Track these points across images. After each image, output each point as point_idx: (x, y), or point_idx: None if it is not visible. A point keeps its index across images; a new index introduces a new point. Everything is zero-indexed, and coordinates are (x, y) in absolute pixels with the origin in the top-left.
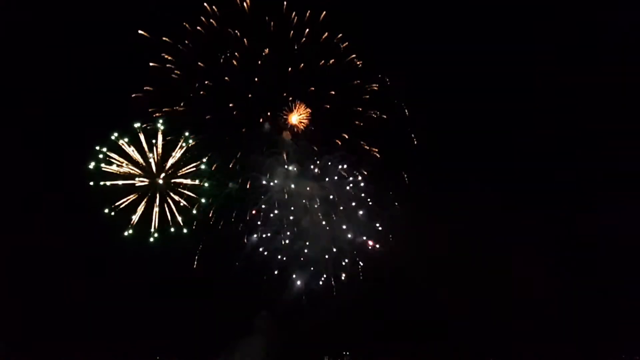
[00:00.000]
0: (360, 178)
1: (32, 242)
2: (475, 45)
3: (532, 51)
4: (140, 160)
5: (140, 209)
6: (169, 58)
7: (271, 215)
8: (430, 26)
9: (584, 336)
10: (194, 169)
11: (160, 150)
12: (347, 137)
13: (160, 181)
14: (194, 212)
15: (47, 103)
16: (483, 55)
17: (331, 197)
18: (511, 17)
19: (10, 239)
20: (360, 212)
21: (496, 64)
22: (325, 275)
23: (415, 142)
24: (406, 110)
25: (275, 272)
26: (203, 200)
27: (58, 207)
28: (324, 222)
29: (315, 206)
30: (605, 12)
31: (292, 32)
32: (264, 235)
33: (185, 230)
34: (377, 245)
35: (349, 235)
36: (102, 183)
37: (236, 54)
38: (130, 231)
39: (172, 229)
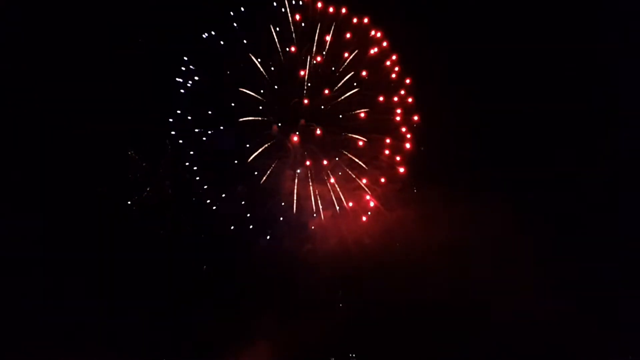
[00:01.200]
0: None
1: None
2: (486, 45)
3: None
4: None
5: None
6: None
7: (280, 218)
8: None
9: (589, 335)
10: None
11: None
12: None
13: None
14: None
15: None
16: (488, 56)
17: (339, 199)
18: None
19: None
20: (366, 215)
21: (501, 65)
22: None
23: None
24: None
25: (282, 274)
26: None
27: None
28: (331, 225)
29: (323, 209)
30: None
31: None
32: (271, 238)
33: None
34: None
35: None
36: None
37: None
38: None
39: None
